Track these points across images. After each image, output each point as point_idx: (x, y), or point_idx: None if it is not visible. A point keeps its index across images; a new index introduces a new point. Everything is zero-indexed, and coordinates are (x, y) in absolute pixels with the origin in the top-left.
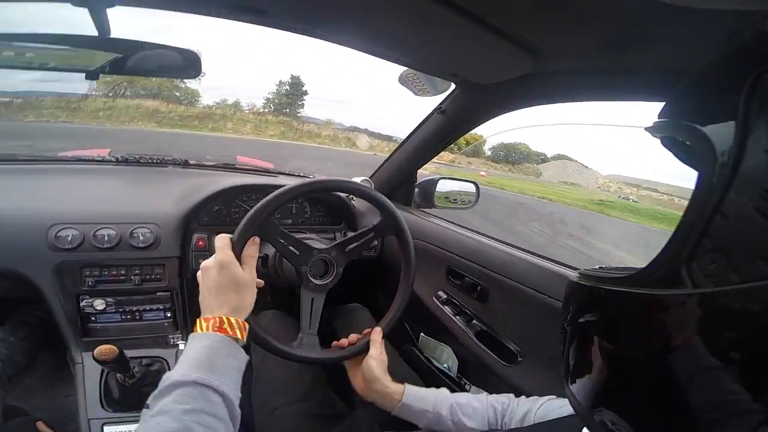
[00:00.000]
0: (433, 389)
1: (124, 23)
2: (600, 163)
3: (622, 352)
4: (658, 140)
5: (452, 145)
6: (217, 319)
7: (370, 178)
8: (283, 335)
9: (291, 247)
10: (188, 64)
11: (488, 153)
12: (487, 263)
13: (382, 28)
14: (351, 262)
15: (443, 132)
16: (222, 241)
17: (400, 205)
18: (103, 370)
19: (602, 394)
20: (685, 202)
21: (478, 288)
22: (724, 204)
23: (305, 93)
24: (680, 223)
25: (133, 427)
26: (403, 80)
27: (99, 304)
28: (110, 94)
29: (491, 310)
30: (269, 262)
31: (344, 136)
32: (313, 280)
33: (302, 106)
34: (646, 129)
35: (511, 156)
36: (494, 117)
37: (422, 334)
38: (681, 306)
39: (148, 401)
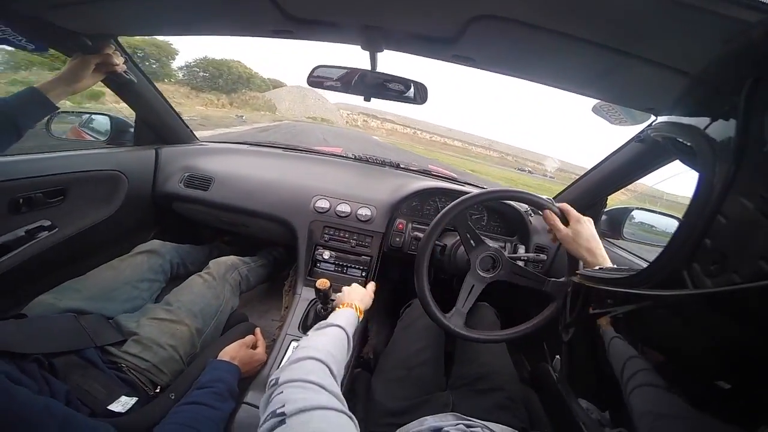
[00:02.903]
0: None
1: (386, 62)
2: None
3: (621, 352)
4: None
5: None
6: (354, 305)
7: (554, 198)
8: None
9: (471, 240)
10: (420, 93)
11: (182, 76)
12: None
13: (580, 71)
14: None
15: (642, 161)
16: (373, 286)
17: None
18: (309, 303)
19: (605, 394)
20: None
21: None
22: (725, 204)
23: None
24: (681, 223)
25: None
26: (597, 110)
27: (326, 254)
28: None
29: None
30: (445, 251)
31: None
32: (478, 270)
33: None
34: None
35: (221, 79)
36: None
37: (557, 356)
38: (682, 306)
39: (319, 326)
